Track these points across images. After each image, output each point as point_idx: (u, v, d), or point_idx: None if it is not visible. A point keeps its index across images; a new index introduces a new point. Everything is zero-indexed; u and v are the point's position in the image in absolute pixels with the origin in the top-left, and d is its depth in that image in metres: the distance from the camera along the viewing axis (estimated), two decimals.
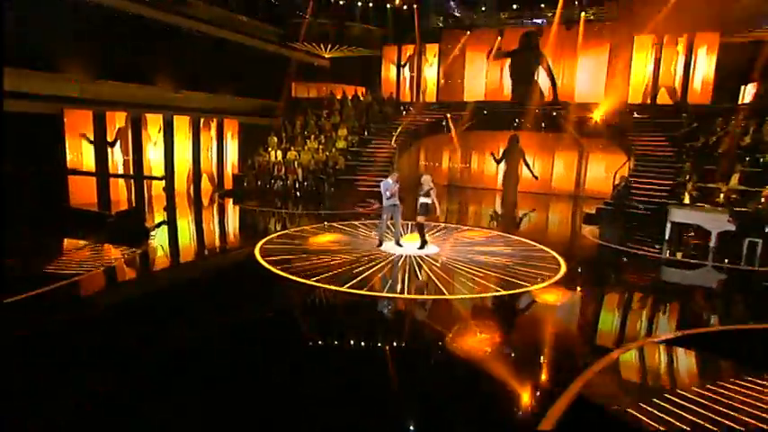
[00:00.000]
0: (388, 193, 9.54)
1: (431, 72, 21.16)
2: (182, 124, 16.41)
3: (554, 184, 19.46)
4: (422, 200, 9.39)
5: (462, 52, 20.56)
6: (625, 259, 9.96)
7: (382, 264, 8.69)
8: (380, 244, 9.62)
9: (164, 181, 14.72)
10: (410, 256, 9.24)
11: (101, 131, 13.69)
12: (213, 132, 17.48)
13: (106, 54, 13.87)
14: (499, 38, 19.54)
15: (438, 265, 8.77)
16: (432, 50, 21.09)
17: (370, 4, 20.19)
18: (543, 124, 18.61)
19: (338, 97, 20.78)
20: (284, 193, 16.95)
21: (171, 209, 13.73)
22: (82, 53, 13.31)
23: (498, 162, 18.96)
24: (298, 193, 16.84)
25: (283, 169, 17.45)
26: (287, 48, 20.33)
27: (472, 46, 20.35)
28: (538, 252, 9.94)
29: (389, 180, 9.60)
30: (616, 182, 14.50)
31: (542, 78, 19.01)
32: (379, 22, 20.76)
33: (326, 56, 22.04)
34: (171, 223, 11.79)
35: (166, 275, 8.01)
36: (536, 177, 17.77)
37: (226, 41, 17.97)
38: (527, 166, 17.54)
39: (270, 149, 18.21)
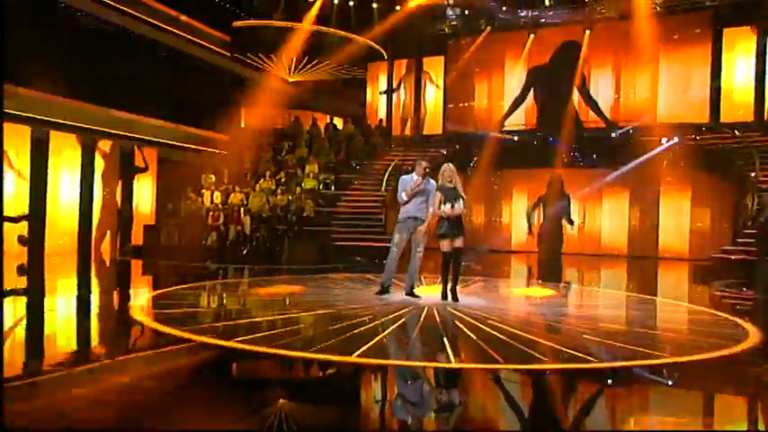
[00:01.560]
0: (404, 196, 7.14)
1: (433, 94, 19.09)
2: (64, 146, 13.50)
3: (605, 241, 16.64)
4: (446, 209, 6.86)
5: (476, 65, 18.63)
6: None
7: (384, 319, 5.60)
8: (384, 291, 7.26)
9: (24, 222, 11.50)
10: (441, 310, 6.23)
11: None
12: (117, 163, 14.61)
13: None
14: (531, 35, 17.66)
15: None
16: (434, 66, 19.17)
17: (351, 2, 18.40)
18: (595, 156, 16.33)
19: (306, 127, 18.39)
20: (221, 250, 13.83)
21: (35, 273, 10.47)
22: None
23: (531, 214, 16.67)
24: (243, 250, 13.78)
25: (221, 217, 14.41)
26: (237, 61, 18.16)
27: (491, 55, 18.47)
28: (676, 310, 7.58)
29: (413, 175, 7.20)
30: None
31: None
32: (364, 29, 18.92)
33: (291, 79, 19.93)
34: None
35: None
36: (571, 222, 15.11)
37: (148, 41, 15.72)
38: (567, 216, 14.83)
39: (204, 191, 15.28)
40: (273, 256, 13.41)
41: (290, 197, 15.27)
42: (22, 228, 11.96)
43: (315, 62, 19.08)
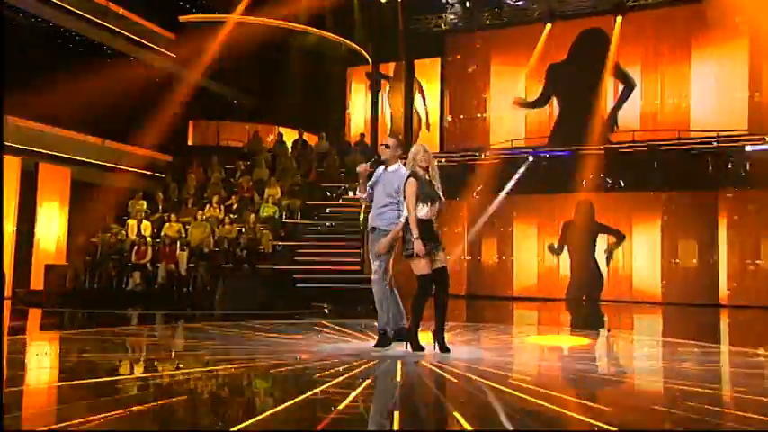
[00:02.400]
0: (359, 194, 5.76)
1: (428, 103, 17.36)
2: None
3: (636, 285, 14.44)
4: (422, 211, 5.17)
5: (483, 66, 16.95)
6: None
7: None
8: (384, 342, 5.46)
9: None
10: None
11: None
12: (13, 186, 12.64)
13: None
14: (548, 25, 15.97)
15: None
16: (428, 69, 17.48)
17: None
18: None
19: (267, 143, 16.59)
20: (147, 294, 11.77)
21: None
22: None
23: (558, 252, 15.16)
24: (177, 293, 11.78)
25: (148, 253, 12.33)
26: (178, 63, 16.50)
27: (500, 53, 16.82)
28: None
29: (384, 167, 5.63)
30: None
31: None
32: (341, 26, 17.32)
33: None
34: None
35: None
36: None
37: (64, 33, 14.07)
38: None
39: (130, 220, 13.29)
40: (207, 299, 11.31)
41: (244, 228, 13.26)
42: None
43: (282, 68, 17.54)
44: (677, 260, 14.27)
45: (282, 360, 4.94)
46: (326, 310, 10.88)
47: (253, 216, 13.45)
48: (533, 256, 15.30)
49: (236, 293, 11.33)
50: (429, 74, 17.70)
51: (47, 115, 13.61)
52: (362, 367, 4.46)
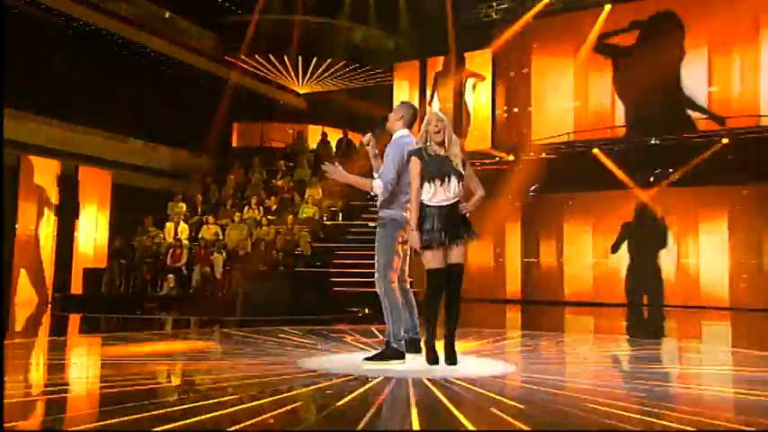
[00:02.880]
0: (378, 184, 4.52)
1: (480, 99, 16.39)
2: None
3: (704, 288, 13.00)
4: (429, 195, 4.33)
5: (530, 56, 15.89)
6: None
7: None
8: (413, 347, 4.50)
9: None
10: None
11: None
12: (53, 191, 12.54)
13: None
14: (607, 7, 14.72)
15: None
16: (479, 61, 16.55)
17: None
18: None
19: (311, 144, 16.06)
20: (183, 298, 11.40)
21: None
22: None
23: (615, 250, 14.05)
24: (211, 297, 11.38)
25: (184, 256, 11.96)
26: (227, 65, 16.24)
27: (547, 42, 15.73)
28: None
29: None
30: None
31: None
32: (386, 22, 16.66)
33: (301, 90, 17.90)
34: None
35: None
36: None
37: (104, 36, 14.00)
38: None
39: (169, 223, 13.00)
40: (241, 303, 10.77)
41: (282, 229, 12.74)
42: None
43: (327, 67, 17.07)
44: (752, 261, 12.88)
45: (264, 374, 4.22)
46: (361, 311, 10.23)
47: (291, 217, 12.92)
48: (588, 257, 14.21)
49: (266, 297, 10.77)
50: (480, 66, 16.74)
51: (87, 118, 13.55)
52: (349, 396, 3.43)
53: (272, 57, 16.43)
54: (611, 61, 15.08)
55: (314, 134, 16.60)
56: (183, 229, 12.84)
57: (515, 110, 16.09)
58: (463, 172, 4.28)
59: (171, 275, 11.80)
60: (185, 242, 12.46)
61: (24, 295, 11.95)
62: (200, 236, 12.64)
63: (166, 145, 15.30)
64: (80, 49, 13.60)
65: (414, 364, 4.30)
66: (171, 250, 12.22)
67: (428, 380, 3.79)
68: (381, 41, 16.85)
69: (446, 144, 4.28)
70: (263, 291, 11.07)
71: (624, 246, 13.94)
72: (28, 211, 12.19)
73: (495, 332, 7.44)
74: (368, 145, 4.62)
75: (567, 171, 14.04)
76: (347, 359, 4.79)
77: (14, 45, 12.03)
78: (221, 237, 12.69)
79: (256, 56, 16.38)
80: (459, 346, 4.41)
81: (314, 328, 7.02)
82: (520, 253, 15.26)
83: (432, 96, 16.90)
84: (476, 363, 4.67)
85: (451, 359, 4.23)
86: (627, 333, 9.29)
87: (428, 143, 4.28)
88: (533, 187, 14.84)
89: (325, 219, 13.53)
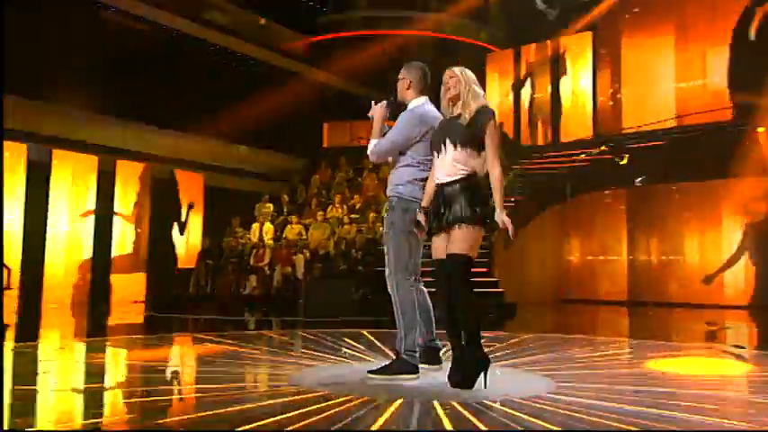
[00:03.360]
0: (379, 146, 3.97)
1: (579, 84, 15.31)
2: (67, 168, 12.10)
3: None
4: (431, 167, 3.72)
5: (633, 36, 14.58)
6: None
7: None
8: (434, 357, 3.97)
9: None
10: None
11: None
12: (148, 192, 13.00)
13: None
14: None
15: None
16: (576, 46, 15.44)
17: None
18: None
19: None
20: (262, 298, 11.38)
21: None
22: None
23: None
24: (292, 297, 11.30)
25: (267, 256, 11.95)
26: (317, 65, 16.24)
27: (643, 22, 14.36)
28: None
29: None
30: None
31: None
32: (476, 12, 15.98)
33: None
34: None
35: None
36: None
37: (192, 41, 14.32)
38: None
39: (255, 224, 13.09)
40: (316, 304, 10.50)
41: (365, 227, 12.43)
42: None
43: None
44: None
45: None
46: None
47: (373, 215, 12.58)
48: (699, 253, 12.80)
49: (342, 297, 10.46)
50: (578, 51, 15.61)
51: (183, 124, 13.92)
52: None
53: (359, 55, 16.23)
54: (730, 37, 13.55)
55: None
56: (269, 230, 12.86)
57: (618, 95, 14.86)
58: (487, 142, 3.45)
59: (253, 275, 11.82)
60: (269, 242, 12.46)
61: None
62: (283, 236, 12.63)
63: (257, 146, 15.49)
64: (180, 59, 14.02)
65: (430, 379, 3.72)
66: (254, 250, 12.26)
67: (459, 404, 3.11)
68: (472, 33, 16.16)
69: (462, 101, 3.51)
70: (339, 290, 10.80)
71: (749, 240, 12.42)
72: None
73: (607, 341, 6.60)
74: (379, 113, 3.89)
75: (678, 158, 12.71)
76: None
77: (121, 59, 12.68)
78: (304, 236, 12.58)
79: (343, 55, 16.27)
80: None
81: (371, 331, 6.54)
82: (625, 250, 14.06)
83: (523, 85, 16.02)
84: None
85: (463, 378, 3.46)
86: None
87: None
88: (640, 179, 13.59)
89: None
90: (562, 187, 13.32)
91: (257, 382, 4.29)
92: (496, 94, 16.13)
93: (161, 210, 13.29)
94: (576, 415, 2.97)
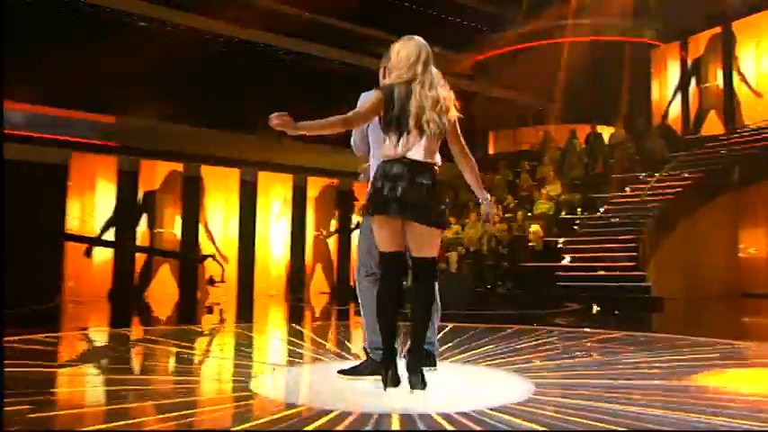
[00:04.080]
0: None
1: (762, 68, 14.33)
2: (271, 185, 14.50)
3: None
4: (386, 148, 3.28)
5: None
6: None
7: None
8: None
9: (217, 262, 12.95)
10: None
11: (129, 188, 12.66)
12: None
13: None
14: None
15: None
16: (752, 29, 14.47)
17: None
18: None
19: (558, 143, 15.87)
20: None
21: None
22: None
23: None
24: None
25: None
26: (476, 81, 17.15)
27: None
28: None
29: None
30: None
31: None
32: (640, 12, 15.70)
33: None
34: None
35: None
36: None
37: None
38: None
39: None
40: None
41: (514, 225, 13.05)
42: (213, 269, 13.07)
43: None
44: None
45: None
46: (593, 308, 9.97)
47: (521, 213, 13.12)
48: None
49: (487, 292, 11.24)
50: (757, 32, 14.53)
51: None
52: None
53: (520, 63, 16.75)
54: None
55: (564, 133, 16.34)
56: None
57: None
58: (437, 120, 3.18)
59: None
60: None
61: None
62: None
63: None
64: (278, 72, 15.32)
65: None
66: None
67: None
68: (633, 31, 15.89)
69: (425, 87, 3.15)
70: (486, 285, 11.58)
71: None
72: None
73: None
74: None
75: None
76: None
77: (197, 68, 14.04)
78: (460, 235, 13.48)
79: (507, 68, 16.88)
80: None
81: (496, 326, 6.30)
82: None
83: (693, 75, 15.33)
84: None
85: (416, 379, 3.08)
86: None
87: (392, 78, 3.25)
88: None
89: (563, 213, 13.31)
90: (735, 174, 12.57)
91: None
92: (664, 92, 15.67)
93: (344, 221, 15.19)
94: None
